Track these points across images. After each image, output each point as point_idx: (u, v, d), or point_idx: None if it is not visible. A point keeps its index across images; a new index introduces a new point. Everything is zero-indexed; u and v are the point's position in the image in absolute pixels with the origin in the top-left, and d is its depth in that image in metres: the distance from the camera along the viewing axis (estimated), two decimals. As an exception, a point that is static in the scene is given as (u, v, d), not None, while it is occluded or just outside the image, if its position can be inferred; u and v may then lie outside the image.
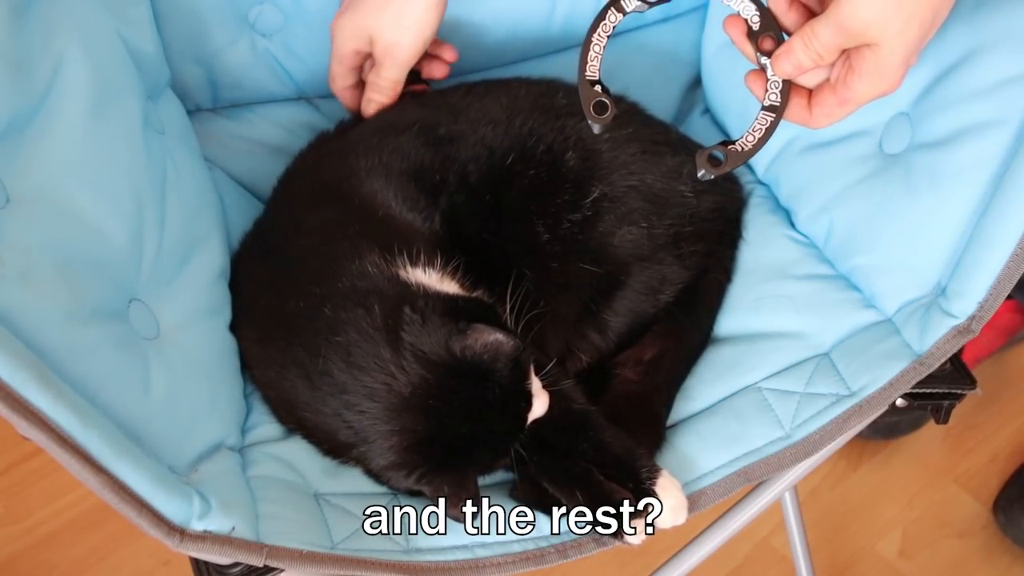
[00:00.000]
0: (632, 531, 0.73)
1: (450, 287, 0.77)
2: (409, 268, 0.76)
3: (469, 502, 0.71)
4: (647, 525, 0.74)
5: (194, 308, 0.77)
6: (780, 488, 0.88)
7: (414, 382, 0.70)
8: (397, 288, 0.75)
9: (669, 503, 0.74)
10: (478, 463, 0.74)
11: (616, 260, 0.85)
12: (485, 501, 0.75)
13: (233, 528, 0.66)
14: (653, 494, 0.74)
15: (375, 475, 0.76)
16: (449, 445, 0.72)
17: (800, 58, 0.72)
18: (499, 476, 0.80)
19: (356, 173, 0.85)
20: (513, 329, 0.76)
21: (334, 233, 0.80)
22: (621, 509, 0.74)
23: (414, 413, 0.71)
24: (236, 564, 0.68)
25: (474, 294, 0.78)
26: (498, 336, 0.70)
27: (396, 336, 0.71)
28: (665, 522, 0.74)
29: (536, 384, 0.75)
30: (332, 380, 0.73)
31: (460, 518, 0.72)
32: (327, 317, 0.74)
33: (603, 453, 0.76)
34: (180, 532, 0.63)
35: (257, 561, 0.67)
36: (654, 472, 0.75)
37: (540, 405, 0.74)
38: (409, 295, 0.74)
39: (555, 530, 0.77)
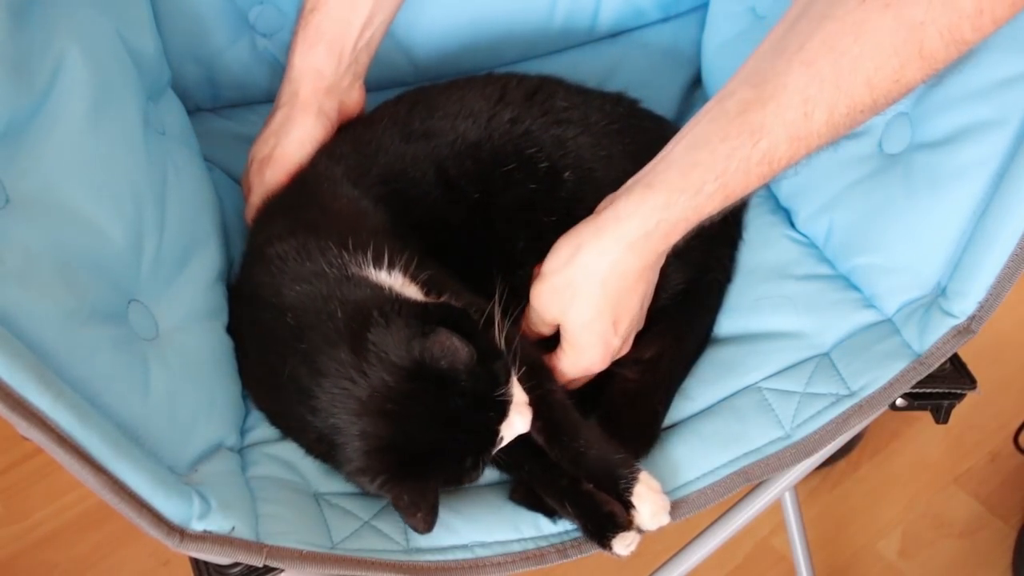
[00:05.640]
0: (620, 543, 0.73)
1: (412, 291, 0.76)
2: (372, 269, 0.75)
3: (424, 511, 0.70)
4: (637, 531, 0.74)
5: (193, 309, 0.77)
6: (780, 488, 0.88)
7: (373, 385, 0.69)
8: (362, 291, 0.73)
9: (647, 510, 0.74)
10: (441, 473, 0.71)
11: None
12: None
13: (233, 528, 0.66)
14: (631, 505, 0.73)
15: (348, 479, 0.75)
16: (411, 452, 0.70)
17: (527, 328, 0.81)
18: (499, 476, 0.80)
19: (324, 174, 0.86)
20: (495, 334, 0.73)
21: (297, 237, 0.79)
22: (610, 521, 0.74)
23: (374, 418, 0.69)
24: (236, 564, 0.68)
25: (442, 298, 0.76)
26: (454, 342, 0.68)
27: (360, 339, 0.70)
28: (647, 526, 0.74)
29: (519, 396, 0.73)
30: (298, 386, 0.72)
31: (417, 527, 0.70)
32: (291, 325, 0.74)
33: (579, 463, 0.75)
34: (180, 532, 0.63)
35: (257, 561, 0.67)
36: (632, 480, 0.74)
37: (520, 420, 0.72)
38: (377, 299, 0.73)
39: (554, 528, 0.77)
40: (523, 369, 0.73)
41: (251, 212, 0.90)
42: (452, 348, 0.68)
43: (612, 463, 0.75)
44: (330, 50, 0.90)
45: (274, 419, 0.79)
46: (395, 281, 0.75)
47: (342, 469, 0.72)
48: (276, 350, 0.75)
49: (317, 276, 0.75)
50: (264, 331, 0.78)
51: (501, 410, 0.71)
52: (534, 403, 0.74)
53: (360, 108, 0.96)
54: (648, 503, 0.74)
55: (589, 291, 0.76)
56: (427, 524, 0.70)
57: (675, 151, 0.74)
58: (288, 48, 0.93)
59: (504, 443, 0.72)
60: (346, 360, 0.69)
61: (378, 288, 0.74)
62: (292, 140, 0.90)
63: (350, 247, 0.76)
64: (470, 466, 0.71)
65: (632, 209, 0.74)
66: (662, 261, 0.78)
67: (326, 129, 0.91)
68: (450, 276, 0.80)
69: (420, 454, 0.70)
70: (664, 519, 0.74)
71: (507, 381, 0.71)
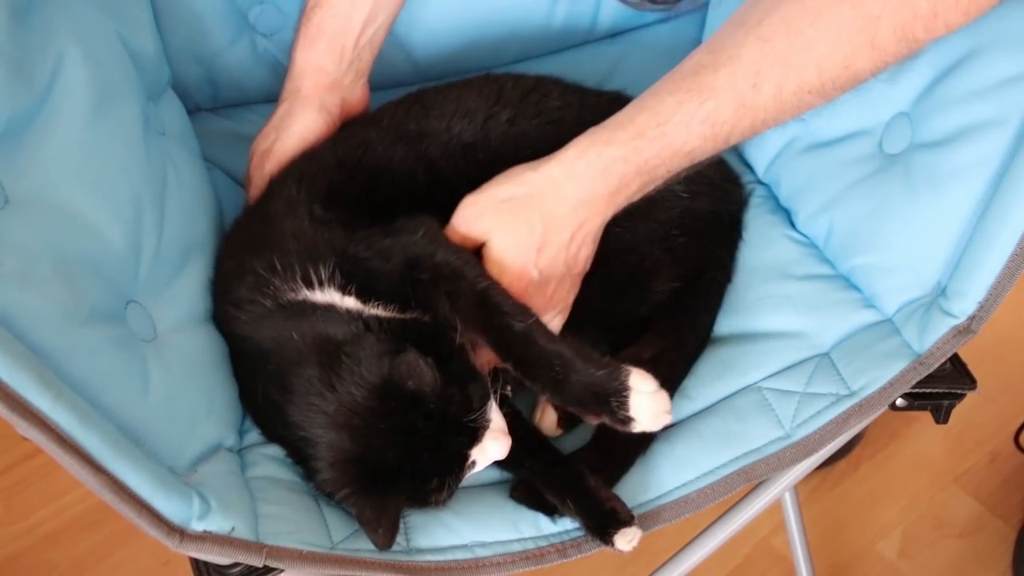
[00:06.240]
0: (622, 538, 0.73)
1: (350, 303, 0.73)
2: (306, 291, 0.73)
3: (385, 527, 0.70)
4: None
5: (191, 311, 0.77)
6: (780, 488, 0.88)
7: (341, 399, 0.69)
8: (315, 314, 0.72)
9: (647, 417, 0.69)
10: (405, 491, 0.71)
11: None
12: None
13: (233, 528, 0.66)
14: (629, 419, 0.69)
15: (318, 490, 0.74)
16: (376, 468, 0.69)
17: None
18: (499, 475, 0.80)
19: (278, 177, 0.86)
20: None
21: (236, 257, 0.79)
22: (611, 517, 0.74)
23: (341, 431, 0.69)
24: (236, 564, 0.68)
25: (413, 315, 0.74)
26: (420, 365, 0.67)
27: (330, 356, 0.69)
28: (651, 427, 0.70)
29: (496, 422, 0.72)
30: (271, 402, 0.73)
31: (377, 543, 0.70)
32: (252, 350, 0.75)
33: (561, 391, 0.71)
34: (180, 532, 0.63)
35: (257, 561, 0.67)
36: (624, 394, 0.69)
37: (496, 447, 0.71)
38: (339, 317, 0.72)
39: (554, 528, 0.77)
40: (472, 304, 0.72)
41: (250, 202, 0.90)
42: (418, 371, 0.67)
43: (597, 381, 0.69)
44: (331, 46, 0.91)
45: (260, 429, 0.79)
46: (332, 297, 0.73)
47: (312, 480, 0.73)
48: (248, 367, 0.77)
49: (252, 304, 0.75)
50: (234, 350, 0.78)
51: (471, 435, 0.70)
52: (496, 340, 0.72)
53: (364, 106, 0.96)
54: (647, 411, 0.69)
55: (525, 206, 0.76)
56: (387, 541, 0.70)
57: (631, 102, 0.77)
58: (290, 45, 0.93)
59: (478, 468, 0.72)
60: (313, 376, 0.70)
61: (328, 307, 0.72)
62: (292, 135, 0.90)
63: (278, 268, 0.74)
64: (435, 487, 0.70)
65: (578, 141, 0.76)
66: (602, 211, 0.76)
67: (327, 125, 0.91)
68: (381, 246, 0.76)
69: (385, 470, 0.69)
70: (667, 419, 0.70)
71: (481, 406, 0.70)
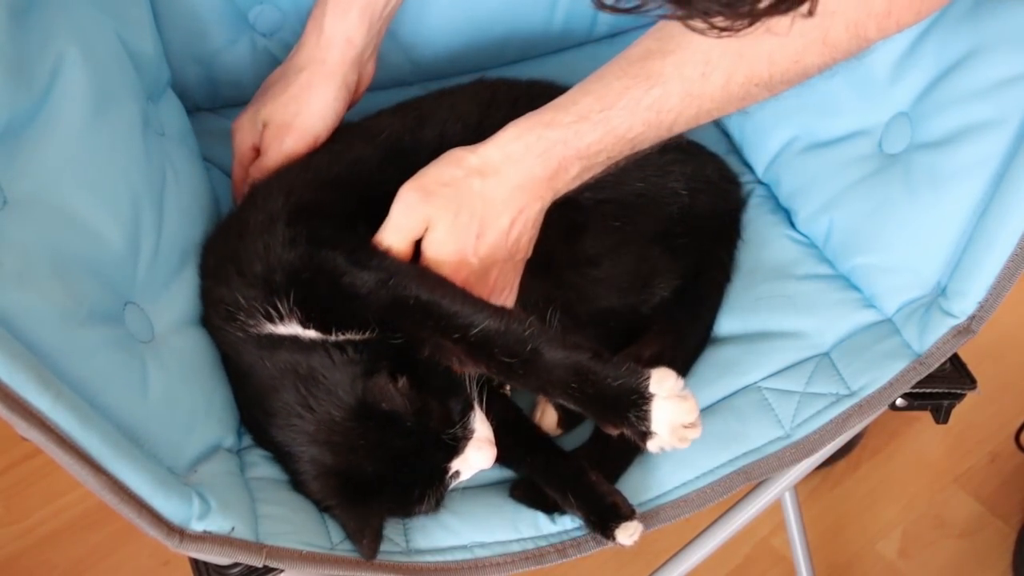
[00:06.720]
0: (623, 533, 0.73)
1: (312, 334, 0.72)
2: (268, 325, 0.73)
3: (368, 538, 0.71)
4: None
5: (189, 313, 0.77)
6: (780, 488, 0.88)
7: (320, 419, 0.69)
8: (283, 343, 0.72)
9: (664, 431, 0.67)
10: (387, 503, 0.72)
11: (589, 257, 0.85)
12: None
13: (233, 528, 0.66)
14: (648, 435, 0.67)
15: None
16: (357, 481, 0.70)
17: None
18: (498, 475, 0.80)
19: (260, 188, 0.85)
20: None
21: (215, 277, 0.79)
22: (613, 511, 0.74)
23: (322, 447, 0.70)
24: (236, 564, 0.68)
25: (340, 331, 0.73)
26: (389, 389, 0.68)
27: (304, 380, 0.70)
28: (675, 446, 0.67)
29: (481, 431, 0.72)
30: (255, 421, 0.75)
31: (362, 552, 0.71)
32: (237, 367, 0.76)
33: (580, 403, 0.69)
34: (180, 532, 0.63)
35: (257, 561, 0.67)
36: (644, 405, 0.66)
37: (479, 457, 0.71)
38: (305, 346, 0.71)
39: (554, 528, 0.77)
40: (464, 354, 0.70)
41: (259, 173, 0.88)
42: (388, 395, 0.68)
43: (613, 393, 0.67)
44: (363, 17, 0.88)
45: (251, 436, 0.79)
46: (295, 330, 0.73)
47: (300, 491, 0.73)
48: (233, 381, 0.77)
49: (224, 331, 0.76)
50: (223, 360, 0.78)
51: (450, 449, 0.71)
52: (499, 376, 0.71)
53: (369, 82, 0.95)
54: (666, 423, 0.66)
55: (464, 191, 0.74)
56: (371, 551, 0.70)
57: (575, 85, 0.75)
58: (290, 44, 0.92)
59: (463, 478, 0.73)
60: (291, 400, 0.70)
61: (293, 338, 0.72)
62: (314, 112, 0.88)
63: (242, 303, 0.74)
64: (418, 499, 0.71)
65: (518, 122, 0.75)
66: (541, 195, 0.75)
67: (345, 102, 0.90)
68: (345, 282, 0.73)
69: (366, 483, 0.70)
70: (692, 434, 0.67)
71: (462, 418, 0.71)
